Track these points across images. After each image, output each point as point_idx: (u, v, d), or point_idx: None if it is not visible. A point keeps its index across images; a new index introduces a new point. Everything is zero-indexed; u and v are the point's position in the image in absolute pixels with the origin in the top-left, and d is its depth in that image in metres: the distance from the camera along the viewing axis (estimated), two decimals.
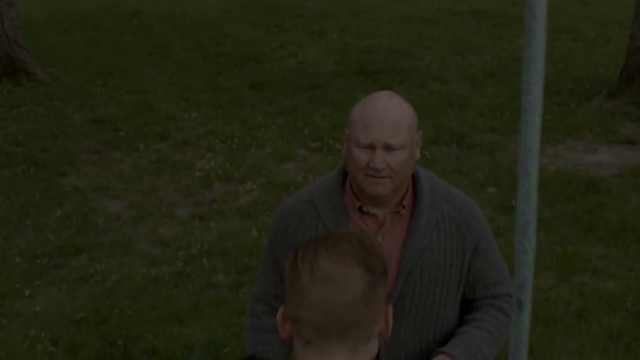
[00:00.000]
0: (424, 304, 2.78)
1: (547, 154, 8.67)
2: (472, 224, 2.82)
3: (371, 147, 2.63)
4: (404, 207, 2.79)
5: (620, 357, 5.23)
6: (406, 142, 2.66)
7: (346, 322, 1.65)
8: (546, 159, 8.56)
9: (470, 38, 13.91)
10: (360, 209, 2.78)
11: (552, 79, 11.19)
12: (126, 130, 9.88)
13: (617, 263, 6.38)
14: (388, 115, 2.64)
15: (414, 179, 2.81)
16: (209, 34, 14.91)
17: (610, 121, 9.52)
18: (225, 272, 6.41)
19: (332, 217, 2.77)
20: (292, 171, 8.50)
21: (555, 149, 8.82)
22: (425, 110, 10.15)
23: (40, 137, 9.77)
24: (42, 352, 5.53)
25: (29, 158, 9.06)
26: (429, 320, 2.80)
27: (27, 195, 8.07)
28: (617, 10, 15.22)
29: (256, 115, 10.30)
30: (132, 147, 9.36)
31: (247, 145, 9.25)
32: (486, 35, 14.02)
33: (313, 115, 10.07)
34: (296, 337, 1.72)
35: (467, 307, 2.92)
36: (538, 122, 1.00)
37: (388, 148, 2.62)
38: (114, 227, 7.38)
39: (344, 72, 12.14)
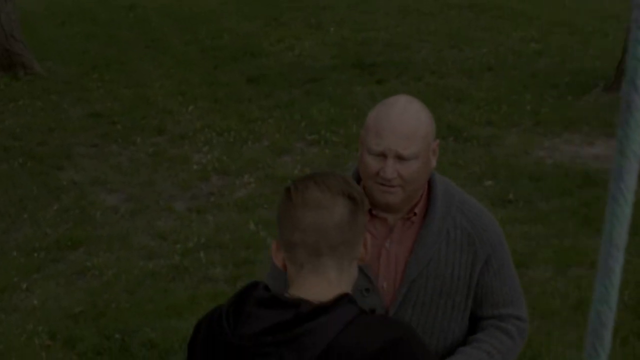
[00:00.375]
0: (426, 315, 2.68)
1: (544, 148, 8.68)
2: (484, 237, 2.70)
3: (383, 156, 2.55)
4: (415, 214, 2.70)
5: (617, 350, 5.24)
6: (420, 151, 2.57)
7: (335, 241, 1.98)
8: (543, 152, 8.57)
9: (468, 31, 13.91)
10: (370, 211, 2.59)
11: (549, 72, 11.20)
12: (123, 124, 9.88)
13: None
14: (402, 123, 2.57)
15: (430, 186, 2.72)
16: (206, 28, 14.89)
17: (607, 114, 9.52)
18: (222, 265, 6.42)
19: None
20: (289, 164, 8.50)
21: (553, 143, 8.83)
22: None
23: (38, 131, 9.76)
24: (39, 345, 5.54)
25: (27, 152, 9.05)
26: (430, 333, 2.69)
27: (24, 189, 8.07)
28: (614, 3, 15.21)
29: (253, 109, 10.30)
30: (129, 140, 9.36)
31: (244, 139, 9.25)
32: (483, 29, 14.02)
33: (310, 109, 10.07)
34: (290, 263, 2.03)
35: (474, 325, 2.79)
36: (628, 213, 0.92)
37: (400, 158, 2.54)
38: (112, 221, 7.38)
39: (341, 65, 12.14)
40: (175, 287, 6.25)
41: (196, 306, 5.87)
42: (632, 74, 0.84)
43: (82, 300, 6.12)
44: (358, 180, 2.72)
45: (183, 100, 10.73)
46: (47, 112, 10.47)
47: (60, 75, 12.15)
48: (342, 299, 1.97)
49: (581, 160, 8.35)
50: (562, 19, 14.27)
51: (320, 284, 2.01)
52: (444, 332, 2.72)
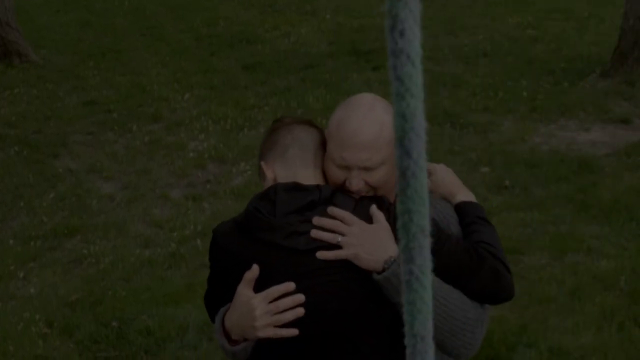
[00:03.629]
0: None
1: (540, 134, 8.68)
2: (444, 223, 2.67)
3: (347, 168, 2.50)
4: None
5: (614, 335, 5.25)
6: (386, 157, 2.48)
7: (310, 144, 2.59)
8: (539, 138, 8.57)
9: (463, 17, 13.89)
10: None
11: (546, 58, 11.19)
12: (119, 112, 9.86)
13: (611, 242, 6.39)
14: (364, 133, 2.47)
15: None
16: (201, 15, 14.86)
17: (603, 100, 9.52)
18: None
19: None
20: None
21: (549, 129, 8.83)
22: None
23: (33, 119, 9.75)
24: (36, 333, 5.54)
25: (22, 140, 9.04)
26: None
27: (20, 177, 8.06)
28: None
29: (249, 96, 10.28)
30: (125, 128, 9.35)
31: (241, 126, 9.24)
32: (479, 15, 14.00)
33: (306, 96, 10.06)
34: (280, 166, 2.57)
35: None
36: (429, 298, 0.81)
37: (365, 169, 2.49)
38: (108, 209, 7.38)
39: (337, 52, 12.12)
40: (171, 274, 6.26)
41: (193, 294, 5.87)
42: (400, 133, 0.74)
43: (78, 288, 6.12)
44: None
45: (179, 87, 10.72)
46: (42, 100, 10.45)
47: (56, 64, 12.12)
48: (339, 188, 2.52)
49: (577, 147, 8.35)
50: (557, 5, 14.25)
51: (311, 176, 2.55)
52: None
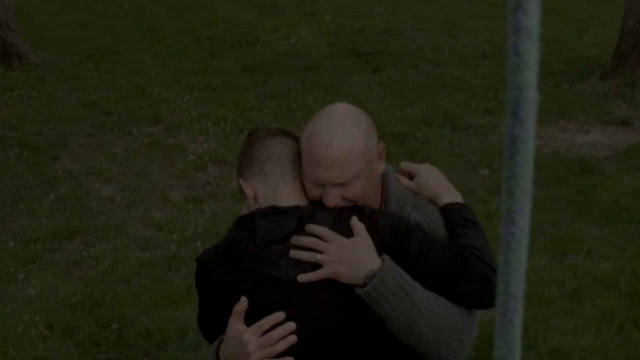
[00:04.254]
0: None
1: (540, 136, 8.68)
2: (437, 228, 2.66)
3: (322, 185, 2.49)
4: None
5: (614, 337, 5.25)
6: (359, 171, 2.48)
7: (286, 156, 2.57)
8: (539, 140, 8.56)
9: (463, 19, 13.89)
10: None
11: (545, 60, 11.12)
12: (119, 114, 9.86)
13: (611, 244, 6.39)
14: (334, 150, 2.44)
15: (382, 187, 2.67)
16: (201, 16, 14.85)
17: (603, 102, 9.52)
18: None
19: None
20: None
21: (549, 130, 8.82)
22: (418, 91, 10.15)
23: (33, 121, 9.75)
24: (36, 336, 5.54)
25: (22, 142, 9.04)
26: None
27: (20, 179, 8.06)
28: None
29: (249, 98, 10.28)
30: (125, 130, 9.35)
31: (241, 128, 9.24)
32: (479, 16, 14.00)
33: (306, 98, 10.06)
34: (259, 183, 2.54)
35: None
36: (524, 259, 0.90)
37: (339, 185, 2.47)
38: (108, 211, 7.38)
39: (336, 54, 12.12)
40: (171, 277, 6.25)
41: (193, 296, 5.85)
42: (514, 105, 0.81)
43: (78, 290, 6.12)
44: None
45: (179, 89, 10.71)
46: (42, 102, 10.45)
47: (56, 65, 12.12)
48: (317, 202, 2.51)
49: (577, 148, 8.35)
50: (557, 6, 14.24)
51: (291, 192, 2.53)
52: None
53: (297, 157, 2.55)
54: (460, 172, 7.46)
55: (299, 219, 2.44)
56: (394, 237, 2.46)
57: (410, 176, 2.75)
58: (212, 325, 2.63)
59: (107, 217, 7.24)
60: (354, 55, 11.97)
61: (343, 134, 2.47)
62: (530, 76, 0.80)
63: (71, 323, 5.65)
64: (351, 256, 2.40)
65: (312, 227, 2.43)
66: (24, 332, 5.58)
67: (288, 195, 2.51)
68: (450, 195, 2.70)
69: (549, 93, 9.83)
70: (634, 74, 10.03)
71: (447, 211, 2.64)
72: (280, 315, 2.41)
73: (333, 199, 2.48)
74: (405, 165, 2.79)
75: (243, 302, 2.42)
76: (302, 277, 2.41)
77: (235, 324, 2.44)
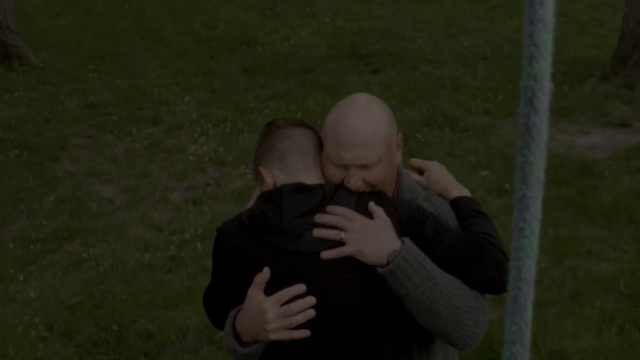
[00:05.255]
0: None
1: None
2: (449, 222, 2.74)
3: (345, 167, 2.56)
4: None
5: (614, 339, 5.25)
6: (382, 155, 2.56)
7: (309, 147, 2.63)
8: None
9: (463, 20, 13.89)
10: None
11: None
12: (119, 115, 9.87)
13: (611, 245, 6.39)
14: (360, 133, 2.53)
15: (396, 180, 2.74)
16: (201, 18, 14.86)
17: (603, 104, 9.53)
18: None
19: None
20: None
21: (548, 132, 8.79)
22: (418, 93, 10.15)
23: (33, 122, 9.75)
24: (36, 337, 5.54)
25: (22, 143, 9.04)
26: None
27: (20, 180, 8.06)
28: None
29: (249, 100, 10.29)
30: (124, 131, 9.35)
31: (240, 130, 9.24)
32: (479, 18, 14.00)
33: (306, 99, 10.06)
34: (279, 171, 2.58)
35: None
36: (535, 245, 0.90)
37: (363, 167, 2.54)
38: (108, 212, 7.38)
39: (336, 55, 12.13)
40: (171, 278, 6.25)
41: (193, 297, 5.87)
42: (530, 94, 0.84)
43: (78, 291, 6.12)
44: None
45: (179, 90, 10.72)
46: (42, 103, 10.46)
47: (56, 67, 12.13)
48: (340, 185, 2.57)
49: (577, 150, 8.35)
50: (557, 7, 14.20)
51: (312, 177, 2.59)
52: None
53: (318, 148, 2.62)
54: (461, 173, 7.46)
55: (323, 196, 2.50)
56: (411, 222, 2.52)
57: (420, 172, 2.84)
58: (223, 298, 2.65)
59: (107, 219, 7.25)
60: (354, 57, 11.98)
61: (368, 118, 2.56)
62: (546, 66, 0.84)
63: (71, 324, 5.65)
64: (374, 236, 2.45)
65: (335, 208, 2.49)
66: (23, 334, 5.58)
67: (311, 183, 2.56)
68: (460, 190, 2.78)
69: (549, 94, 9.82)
70: (633, 75, 10.03)
71: (457, 204, 2.72)
72: (301, 287, 2.45)
73: (356, 181, 2.54)
74: (415, 161, 2.87)
75: (265, 273, 2.45)
76: (325, 254, 2.45)
77: (255, 294, 2.47)
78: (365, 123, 2.54)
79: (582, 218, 6.85)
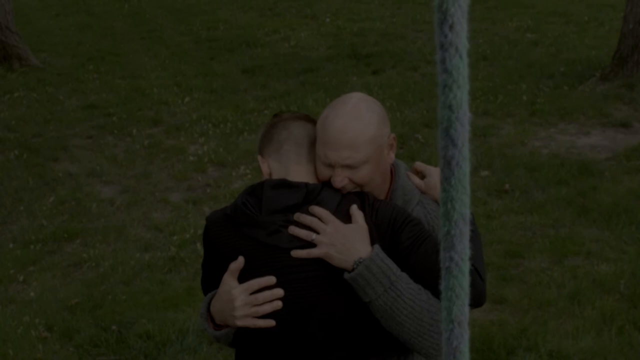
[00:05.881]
0: None
1: (540, 137, 8.68)
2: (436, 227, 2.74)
3: (331, 166, 2.59)
4: None
5: (614, 339, 5.25)
6: (368, 156, 2.57)
7: (304, 140, 2.67)
8: (539, 142, 8.57)
9: None
10: None
11: (545, 62, 11.19)
12: (119, 116, 9.87)
13: (610, 246, 6.39)
14: (346, 132, 2.55)
15: (391, 178, 2.76)
16: (201, 19, 14.86)
17: (603, 104, 9.53)
18: None
19: None
20: None
21: (548, 132, 8.83)
22: (418, 93, 10.15)
23: (33, 123, 9.75)
24: (36, 337, 5.54)
25: (22, 143, 9.04)
26: None
27: (20, 180, 8.06)
28: None
29: (249, 100, 10.29)
30: (124, 132, 9.35)
31: (240, 130, 9.24)
32: (479, 19, 14.00)
33: (306, 100, 10.07)
34: (274, 161, 2.65)
35: None
36: (466, 285, 0.85)
37: (348, 167, 2.57)
38: (108, 213, 7.37)
39: (336, 55, 12.13)
40: (171, 278, 6.25)
41: (192, 298, 5.87)
42: (446, 124, 0.77)
43: (78, 292, 6.12)
44: None
45: (179, 91, 10.72)
46: (42, 104, 10.46)
47: (56, 67, 12.13)
48: (327, 183, 2.60)
49: (577, 150, 8.35)
50: (557, 8, 14.26)
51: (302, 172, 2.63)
52: None
53: (314, 141, 2.66)
54: None
55: (305, 194, 2.55)
56: (390, 227, 2.56)
57: (422, 176, 2.85)
58: (210, 284, 2.75)
59: (107, 219, 7.24)
60: (354, 57, 11.98)
61: (355, 119, 2.58)
62: (461, 94, 0.77)
63: (71, 325, 5.65)
64: (345, 242, 2.51)
65: (314, 208, 2.54)
66: (23, 334, 5.57)
67: (299, 176, 2.62)
68: None
69: (549, 95, 9.83)
70: (633, 75, 10.04)
71: None
72: (270, 279, 2.53)
73: (341, 180, 2.57)
74: (419, 165, 2.88)
75: (240, 261, 2.55)
76: (296, 253, 2.53)
77: (228, 280, 2.57)
78: (352, 123, 2.56)
79: (582, 218, 6.85)
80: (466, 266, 0.81)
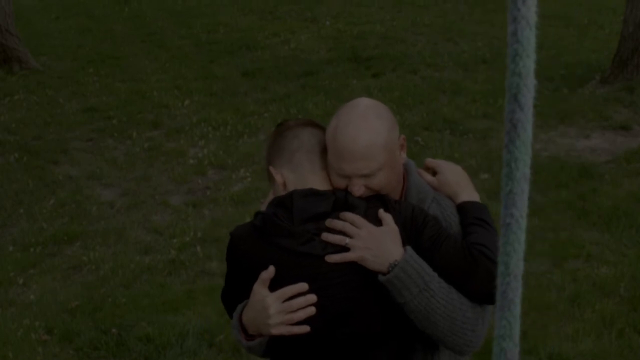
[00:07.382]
0: None
1: (540, 140, 8.68)
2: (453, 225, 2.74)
3: (347, 177, 2.59)
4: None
5: (614, 342, 5.25)
6: (383, 162, 2.58)
7: (315, 147, 2.67)
8: (539, 145, 8.57)
9: (462, 24, 13.90)
10: None
11: (545, 64, 11.19)
12: (119, 119, 9.87)
13: (610, 249, 6.39)
14: (358, 143, 2.54)
15: (404, 178, 2.78)
16: (201, 22, 14.87)
17: (603, 107, 9.53)
18: (218, 260, 6.41)
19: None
20: None
21: (548, 135, 8.83)
22: (417, 96, 10.16)
23: (33, 126, 9.75)
24: (36, 340, 5.54)
25: (22, 146, 9.05)
26: None
27: (20, 183, 8.06)
28: None
29: (249, 103, 10.29)
30: (125, 135, 9.35)
31: (240, 133, 9.25)
32: (478, 22, 14.02)
33: (306, 103, 10.07)
34: (288, 171, 2.65)
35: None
36: (523, 240, 0.94)
37: (364, 176, 2.58)
38: (108, 215, 7.37)
39: (336, 58, 12.13)
40: (171, 281, 6.25)
41: (193, 301, 5.87)
42: (515, 90, 0.86)
43: (78, 294, 6.12)
44: None
45: (179, 94, 10.72)
46: (42, 107, 10.46)
47: (56, 70, 12.13)
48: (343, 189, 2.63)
49: (577, 153, 8.36)
50: (557, 11, 14.26)
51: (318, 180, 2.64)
52: None
53: (325, 147, 2.66)
54: None
55: (334, 202, 2.57)
56: (411, 226, 2.58)
57: (434, 173, 2.86)
58: (237, 298, 2.74)
59: (107, 222, 7.24)
60: (354, 60, 11.99)
61: (366, 128, 2.57)
62: (529, 63, 0.85)
63: (71, 328, 5.65)
64: (378, 245, 2.52)
65: (345, 214, 2.56)
66: (23, 337, 5.57)
67: (316, 184, 2.62)
68: (469, 194, 2.80)
69: (549, 98, 9.83)
70: (633, 78, 10.04)
71: (462, 209, 2.74)
72: (303, 286, 2.53)
73: (358, 189, 2.59)
74: (430, 161, 2.90)
75: (270, 270, 2.54)
76: (330, 257, 2.52)
77: (260, 289, 2.57)
78: (363, 134, 2.55)
79: (582, 221, 6.85)
80: (524, 223, 0.90)
